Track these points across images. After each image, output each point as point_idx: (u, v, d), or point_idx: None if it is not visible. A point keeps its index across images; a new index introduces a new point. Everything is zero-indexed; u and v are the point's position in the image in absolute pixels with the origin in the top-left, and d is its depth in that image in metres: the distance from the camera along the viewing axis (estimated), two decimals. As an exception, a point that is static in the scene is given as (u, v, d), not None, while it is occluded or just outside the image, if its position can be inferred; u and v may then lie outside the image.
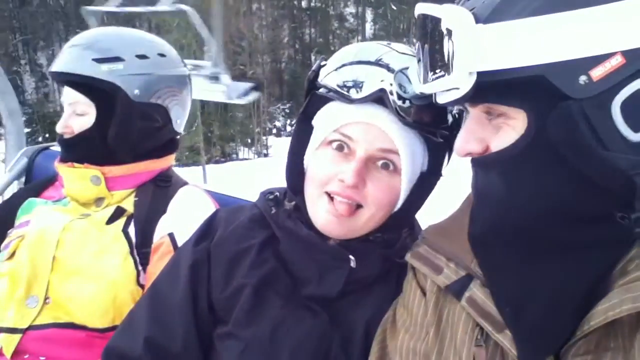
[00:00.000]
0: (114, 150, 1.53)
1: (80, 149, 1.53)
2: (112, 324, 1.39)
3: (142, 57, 1.53)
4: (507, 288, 0.81)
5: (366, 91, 1.01)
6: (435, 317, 0.92)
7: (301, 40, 49.77)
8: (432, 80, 0.78)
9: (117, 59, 1.49)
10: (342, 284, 1.09)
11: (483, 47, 0.70)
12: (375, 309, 1.08)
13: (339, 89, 1.04)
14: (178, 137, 1.70)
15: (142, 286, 1.44)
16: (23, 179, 2.06)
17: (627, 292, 0.70)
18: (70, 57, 1.48)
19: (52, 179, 1.68)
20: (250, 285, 1.11)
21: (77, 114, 1.51)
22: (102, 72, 1.46)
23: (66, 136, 1.53)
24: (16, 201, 1.62)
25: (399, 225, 1.12)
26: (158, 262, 1.38)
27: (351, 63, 1.05)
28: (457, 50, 0.71)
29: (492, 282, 0.84)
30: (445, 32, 0.73)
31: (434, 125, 1.04)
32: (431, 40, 0.78)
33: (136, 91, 1.50)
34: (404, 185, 1.05)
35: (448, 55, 0.73)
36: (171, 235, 1.44)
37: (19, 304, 1.38)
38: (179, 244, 1.40)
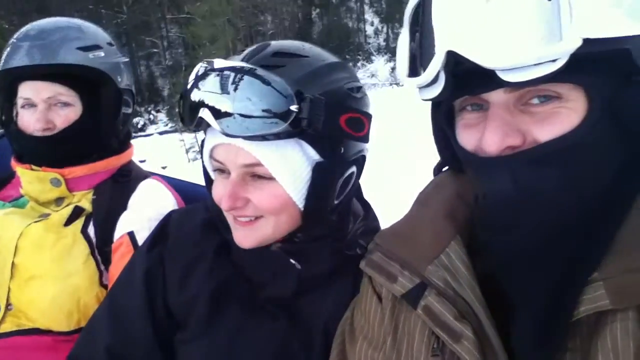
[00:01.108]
0: (105, 141, 1.52)
1: (69, 145, 1.46)
2: (78, 326, 1.38)
3: (110, 44, 1.53)
4: (539, 297, 0.75)
5: (192, 120, 0.99)
6: (392, 326, 0.90)
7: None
8: (522, 51, 0.64)
9: (96, 47, 1.47)
10: (295, 283, 1.09)
11: (590, 10, 0.62)
12: (333, 307, 1.08)
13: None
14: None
15: (105, 286, 1.42)
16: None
17: (585, 293, 0.70)
18: (44, 48, 1.39)
19: (8, 178, 1.62)
20: (207, 292, 1.11)
21: (60, 106, 1.44)
22: (90, 59, 1.44)
23: (47, 133, 1.43)
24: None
25: (320, 218, 1.07)
26: (119, 262, 1.36)
27: (187, 91, 1.02)
28: (564, 14, 0.62)
29: (524, 294, 0.77)
30: None
31: (275, 129, 0.95)
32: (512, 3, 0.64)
33: (118, 77, 1.51)
34: (287, 187, 1.00)
35: (551, 20, 0.62)
36: (131, 234, 1.42)
37: (-20, 313, 1.35)
38: (139, 242, 1.38)
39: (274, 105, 0.93)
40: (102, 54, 1.48)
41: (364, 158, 1.12)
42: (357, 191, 1.26)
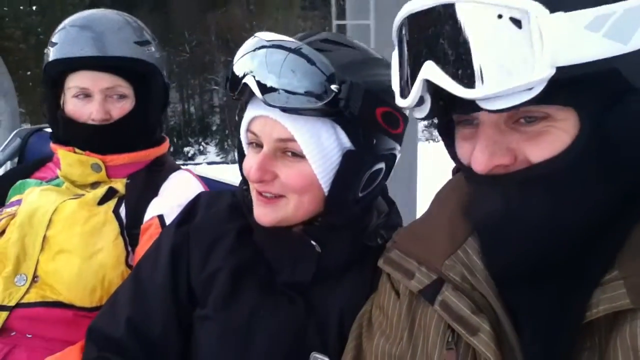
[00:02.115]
0: (152, 131, 1.60)
1: (122, 134, 1.53)
2: (100, 303, 1.39)
3: (153, 39, 1.60)
4: (539, 314, 0.75)
5: (237, 87, 1.03)
6: (409, 321, 0.91)
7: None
8: (494, 82, 0.64)
9: (148, 42, 1.55)
10: (314, 269, 1.10)
11: (563, 38, 0.62)
12: (349, 294, 1.09)
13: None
14: None
15: (131, 267, 1.44)
16: (16, 160, 2.06)
17: (603, 292, 0.70)
18: (106, 40, 1.46)
19: (43, 161, 1.69)
20: (227, 269, 1.13)
21: (114, 98, 1.50)
22: (146, 54, 1.52)
23: (104, 123, 1.50)
24: (7, 181, 1.63)
25: (342, 206, 1.08)
26: (146, 243, 1.38)
27: (236, 61, 1.07)
28: (536, 42, 0.62)
29: (524, 313, 0.77)
30: (509, 22, 0.63)
31: (315, 104, 0.98)
32: (478, 32, 0.64)
33: (164, 72, 1.59)
34: (316, 168, 1.02)
35: (523, 49, 0.62)
36: (160, 217, 1.45)
37: (6, 282, 1.39)
38: (168, 225, 1.40)
39: (316, 84, 0.96)
40: (153, 48, 1.56)
41: (394, 157, 1.14)
42: (383, 190, 1.27)
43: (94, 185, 1.54)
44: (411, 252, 0.92)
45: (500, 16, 0.63)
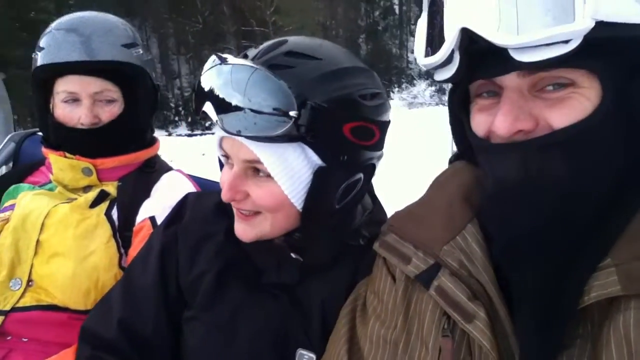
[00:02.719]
0: (142, 134, 1.60)
1: (112, 138, 1.53)
2: (94, 305, 1.41)
3: (141, 42, 1.60)
4: (536, 298, 0.75)
5: (199, 112, 1.01)
6: (404, 306, 0.90)
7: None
8: (532, 29, 0.63)
9: (135, 44, 1.53)
10: (298, 274, 1.12)
11: None
12: (331, 286, 1.10)
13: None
14: None
15: (124, 269, 1.45)
16: (11, 164, 2.06)
17: (596, 279, 0.69)
18: (96, 44, 1.46)
19: (36, 165, 1.69)
20: (213, 271, 1.14)
21: (105, 101, 1.50)
22: (133, 57, 1.52)
23: (93, 127, 1.50)
24: (0, 186, 1.63)
25: (317, 220, 1.07)
26: (139, 245, 1.39)
27: (197, 84, 1.04)
28: None
29: (520, 296, 0.77)
30: None
31: (272, 133, 0.94)
32: None
33: (153, 74, 1.59)
34: (285, 189, 1.01)
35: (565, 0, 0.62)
36: (152, 219, 1.46)
37: (1, 287, 1.39)
38: (159, 227, 1.41)
39: (276, 106, 0.93)
40: (141, 51, 1.55)
41: (373, 166, 1.11)
42: (369, 188, 1.25)
43: (86, 189, 1.55)
44: (408, 236, 0.91)
45: None
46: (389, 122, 1.10)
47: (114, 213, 1.50)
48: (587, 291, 0.69)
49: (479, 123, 0.79)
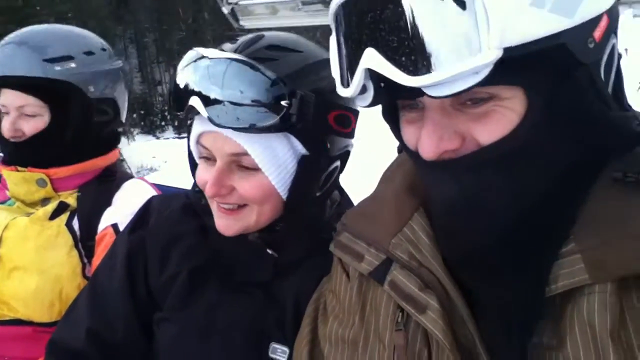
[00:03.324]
0: (70, 149, 1.53)
1: (35, 151, 1.50)
2: (59, 317, 1.39)
3: (89, 53, 1.54)
4: (500, 292, 0.74)
5: (182, 107, 1.01)
6: (360, 303, 0.90)
7: None
8: (439, 68, 0.60)
9: (67, 58, 1.48)
10: (272, 270, 1.12)
11: (509, 16, 0.58)
12: (304, 280, 1.10)
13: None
14: (120, 129, 1.72)
15: (88, 279, 1.44)
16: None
17: (561, 267, 0.68)
18: (14, 59, 1.45)
19: None
20: (184, 272, 1.13)
21: (26, 115, 1.48)
22: (56, 72, 1.46)
23: (15, 140, 1.49)
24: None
25: (301, 209, 1.10)
26: (102, 253, 1.38)
27: (176, 78, 1.05)
28: (481, 23, 0.58)
29: (485, 291, 0.75)
30: (453, 3, 0.59)
31: (264, 123, 0.96)
32: (420, 16, 0.60)
33: (91, 87, 1.51)
34: (272, 179, 1.02)
35: (469, 31, 0.59)
36: (114, 226, 1.45)
37: (-38, 303, 1.38)
38: (122, 234, 1.40)
39: (264, 97, 0.95)
40: (73, 64, 1.49)
41: (348, 153, 1.15)
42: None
43: (44, 202, 1.53)
44: (360, 234, 0.90)
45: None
46: (359, 111, 1.13)
47: (75, 223, 1.49)
48: (553, 280, 0.68)
49: (409, 136, 0.77)
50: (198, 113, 0.98)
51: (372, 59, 0.64)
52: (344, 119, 1.07)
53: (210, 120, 0.96)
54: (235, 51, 1.00)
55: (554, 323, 0.69)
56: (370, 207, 0.94)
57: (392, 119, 0.81)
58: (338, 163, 1.12)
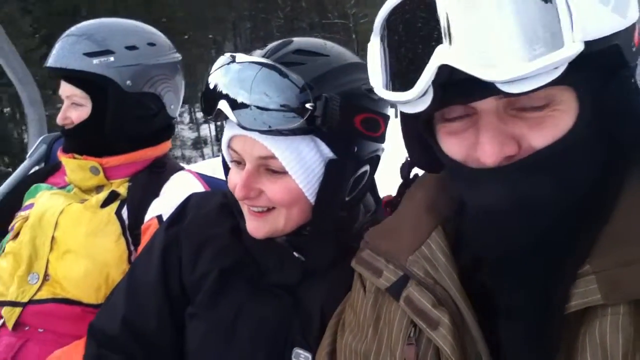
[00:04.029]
0: (111, 140, 1.61)
1: (80, 139, 1.62)
2: (105, 300, 1.48)
3: (131, 48, 1.59)
4: (532, 291, 0.74)
5: (212, 111, 1.03)
6: (374, 317, 0.91)
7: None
8: (521, 62, 0.58)
9: (107, 52, 1.55)
10: (300, 273, 1.13)
11: (587, 11, 0.59)
12: (330, 291, 1.11)
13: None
14: (173, 121, 1.77)
15: (133, 265, 1.52)
16: (43, 165, 2.18)
17: (575, 287, 0.68)
18: (62, 52, 1.55)
19: (57, 166, 1.80)
20: (216, 270, 1.16)
21: (74, 104, 1.59)
22: (94, 65, 1.53)
23: (67, 127, 1.62)
24: (24, 186, 1.75)
25: (329, 213, 1.10)
26: (146, 242, 1.46)
27: (208, 81, 1.06)
28: (564, 16, 0.58)
29: (513, 293, 0.75)
30: None
31: (290, 125, 0.97)
32: (502, 8, 0.59)
33: (128, 82, 1.57)
34: (300, 182, 1.04)
35: (551, 25, 0.58)
36: (159, 217, 1.51)
37: (20, 280, 1.50)
38: (166, 225, 1.46)
39: (290, 101, 0.97)
40: (112, 58, 1.55)
41: (378, 158, 1.15)
42: (372, 186, 1.28)
43: (98, 189, 1.63)
44: (380, 250, 0.92)
45: None
46: (389, 116, 1.12)
47: (124, 212, 1.57)
48: (567, 299, 0.68)
49: (452, 147, 0.75)
50: (227, 117, 1.01)
51: (447, 54, 0.61)
52: (372, 123, 1.06)
53: (238, 123, 0.98)
54: (263, 56, 1.02)
55: (567, 343, 0.68)
56: (392, 225, 0.95)
57: (424, 132, 0.79)
58: (367, 167, 1.11)
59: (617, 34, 0.62)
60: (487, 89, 0.61)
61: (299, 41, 1.08)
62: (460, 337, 0.76)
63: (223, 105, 1.00)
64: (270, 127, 0.97)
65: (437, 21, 0.62)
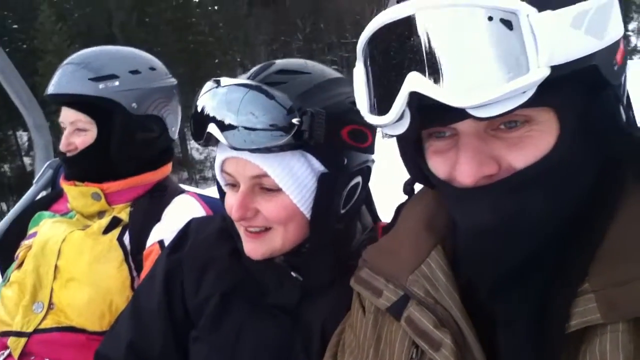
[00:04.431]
0: (117, 163, 1.62)
1: (84, 165, 1.63)
2: (109, 327, 1.47)
3: (134, 72, 1.61)
4: (528, 305, 0.74)
5: (202, 136, 1.04)
6: (374, 338, 0.91)
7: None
8: (489, 88, 0.60)
9: (112, 77, 1.57)
10: (299, 293, 1.14)
11: (554, 36, 0.60)
12: (331, 308, 1.11)
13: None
14: (172, 145, 1.79)
15: (137, 291, 1.52)
16: (50, 190, 2.19)
17: (575, 306, 0.68)
18: (66, 78, 1.56)
19: (61, 192, 1.80)
20: (217, 294, 1.17)
21: (78, 130, 1.60)
22: (100, 90, 1.55)
23: (69, 154, 1.62)
24: (29, 213, 1.76)
25: (326, 227, 1.11)
26: (148, 269, 1.46)
27: (195, 108, 1.07)
28: (529, 43, 0.59)
29: (511, 310, 0.75)
30: (500, 23, 0.60)
31: (278, 142, 0.99)
32: (467, 37, 0.61)
33: (134, 104, 1.59)
34: (294, 198, 1.05)
35: (516, 52, 0.60)
36: (161, 242, 1.52)
37: (25, 310, 1.50)
38: (168, 250, 1.47)
39: (277, 119, 0.98)
40: (117, 83, 1.57)
41: (369, 169, 1.15)
42: (369, 202, 1.29)
43: (100, 214, 1.64)
44: (379, 270, 0.92)
45: (490, 18, 0.60)
46: (376, 127, 1.12)
47: (126, 238, 1.58)
48: (568, 318, 0.68)
49: (437, 166, 0.77)
50: (218, 141, 1.02)
51: (417, 82, 0.64)
52: (359, 134, 1.08)
53: (229, 145, 1.00)
54: (248, 79, 1.04)
55: None
56: (390, 244, 0.95)
57: (414, 151, 0.82)
58: (359, 179, 1.12)
59: (593, 55, 0.62)
60: (459, 112, 0.63)
61: (280, 62, 1.11)
62: (462, 357, 0.76)
63: (212, 128, 1.01)
64: (259, 146, 0.99)
65: (410, 49, 0.64)
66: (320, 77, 1.10)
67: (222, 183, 1.16)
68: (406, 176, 0.95)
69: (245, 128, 0.98)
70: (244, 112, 0.99)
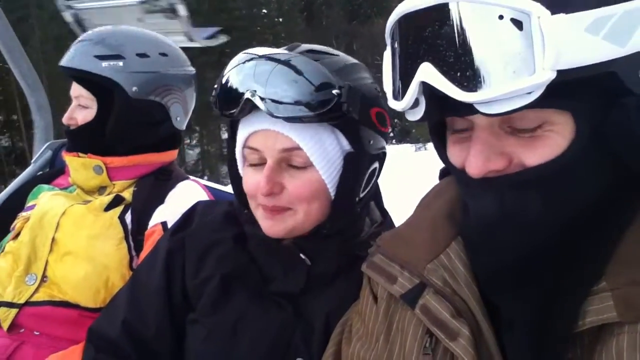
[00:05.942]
0: (112, 143, 1.60)
1: (83, 140, 1.62)
2: (103, 304, 1.45)
3: (142, 55, 1.59)
4: (525, 321, 0.74)
5: (237, 105, 1.03)
6: (386, 325, 0.90)
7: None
8: (493, 86, 0.62)
9: (117, 57, 1.55)
10: (304, 281, 1.12)
11: (564, 40, 0.60)
12: (336, 301, 1.10)
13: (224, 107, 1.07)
14: (181, 132, 1.76)
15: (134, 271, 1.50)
16: (47, 171, 2.16)
17: (590, 304, 0.68)
18: (75, 53, 1.56)
19: (63, 169, 1.79)
20: (218, 276, 1.16)
21: (81, 106, 1.59)
22: (102, 68, 1.53)
23: (71, 127, 1.62)
24: (28, 187, 1.73)
25: (345, 212, 1.11)
26: (149, 249, 1.44)
27: (227, 77, 1.07)
28: (537, 44, 0.60)
29: (513, 307, 0.76)
30: (510, 23, 0.61)
31: (320, 110, 1.00)
32: (477, 33, 0.62)
33: (134, 88, 1.56)
34: (323, 174, 1.05)
35: (524, 52, 0.61)
36: (164, 224, 1.51)
37: (17, 281, 1.47)
38: (170, 232, 1.45)
39: (318, 89, 0.99)
40: (121, 63, 1.55)
41: (384, 154, 1.17)
42: (377, 198, 1.29)
43: (101, 190, 1.62)
44: (394, 256, 0.91)
45: (501, 17, 0.60)
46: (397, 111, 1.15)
47: (128, 217, 1.56)
48: (582, 316, 0.68)
49: (455, 156, 0.79)
50: (250, 111, 1.02)
51: (427, 72, 0.66)
52: (383, 117, 1.11)
53: (268, 111, 0.99)
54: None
55: None
56: (406, 232, 0.95)
57: (439, 137, 0.83)
58: (377, 165, 1.14)
59: (614, 62, 0.61)
60: (469, 106, 0.64)
61: (305, 45, 1.13)
62: (477, 348, 0.75)
63: (251, 96, 1.00)
64: (301, 113, 0.98)
65: (425, 39, 0.66)
66: (347, 59, 1.12)
67: (241, 164, 1.14)
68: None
69: (280, 102, 0.98)
70: (279, 83, 0.99)
